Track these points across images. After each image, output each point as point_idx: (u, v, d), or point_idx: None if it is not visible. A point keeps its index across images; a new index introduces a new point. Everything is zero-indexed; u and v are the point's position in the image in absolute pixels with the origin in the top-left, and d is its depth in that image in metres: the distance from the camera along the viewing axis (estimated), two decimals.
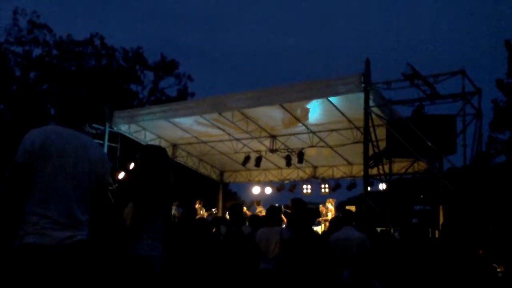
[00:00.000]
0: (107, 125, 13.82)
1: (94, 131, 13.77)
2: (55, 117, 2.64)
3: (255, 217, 7.57)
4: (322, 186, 16.09)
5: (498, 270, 7.96)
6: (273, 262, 5.77)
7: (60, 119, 2.61)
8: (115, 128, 13.97)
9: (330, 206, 13.45)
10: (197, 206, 13.14)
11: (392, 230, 9.68)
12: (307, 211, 6.20)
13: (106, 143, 13.86)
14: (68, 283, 2.40)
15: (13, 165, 2.38)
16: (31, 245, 2.33)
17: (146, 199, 3.36)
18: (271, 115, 12.50)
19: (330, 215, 12.56)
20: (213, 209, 14.40)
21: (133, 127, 14.21)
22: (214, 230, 7.64)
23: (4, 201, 2.35)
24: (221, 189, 18.63)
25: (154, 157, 3.59)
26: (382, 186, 12.18)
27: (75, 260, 2.42)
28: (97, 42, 30.97)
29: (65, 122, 2.60)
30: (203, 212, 13.90)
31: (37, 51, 29.40)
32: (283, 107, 11.81)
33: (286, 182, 16.94)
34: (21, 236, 2.35)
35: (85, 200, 2.57)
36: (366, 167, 9.79)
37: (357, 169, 14.89)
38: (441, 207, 10.89)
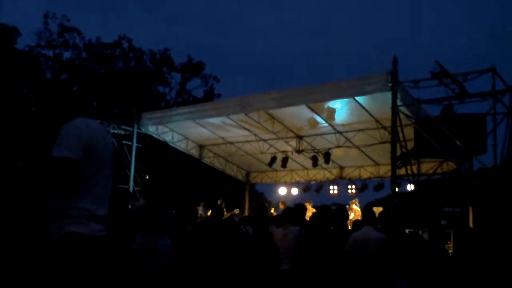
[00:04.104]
0: (135, 126, 14.01)
1: (122, 132, 14.00)
2: (79, 111, 2.67)
3: (279, 217, 7.60)
4: (349, 187, 15.96)
5: None
6: (290, 262, 5.81)
7: (82, 112, 2.66)
8: (143, 129, 14.15)
9: (355, 206, 13.34)
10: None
11: (420, 232, 9.55)
12: (321, 213, 6.21)
13: (135, 144, 14.06)
14: (102, 273, 2.47)
15: (65, 161, 2.35)
16: (76, 234, 2.38)
17: (158, 195, 3.41)
18: (297, 115, 12.47)
19: (353, 216, 12.45)
20: (235, 209, 14.44)
21: (161, 128, 14.37)
22: (242, 230, 7.68)
23: (45, 193, 2.39)
24: (247, 190, 18.67)
25: (156, 154, 3.63)
26: (410, 187, 12.02)
27: (106, 252, 2.49)
28: (125, 44, 31.46)
29: (87, 115, 2.66)
30: (224, 213, 13.96)
31: (67, 54, 30.07)
32: (309, 107, 11.78)
33: (312, 183, 16.86)
34: (62, 227, 2.39)
35: (109, 195, 2.64)
36: (394, 167, 9.67)
37: (385, 170, 14.70)
38: (470, 209, 10.70)
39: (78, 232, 2.38)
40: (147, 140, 13.60)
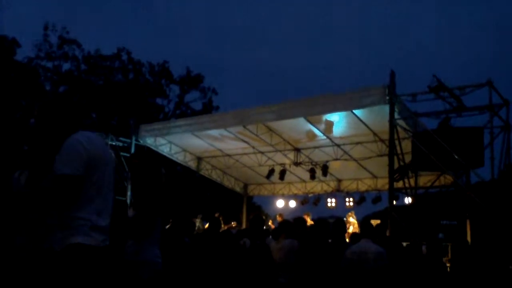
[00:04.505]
0: (133, 138, 14.01)
1: (120, 144, 13.99)
2: (80, 124, 2.71)
3: (276, 230, 7.59)
4: (347, 199, 15.95)
5: None
6: (286, 276, 5.80)
7: (85, 126, 2.71)
8: (141, 142, 14.16)
9: (352, 219, 13.34)
10: None
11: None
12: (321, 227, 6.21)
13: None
14: (105, 283, 2.50)
15: (68, 178, 2.41)
16: (80, 245, 2.43)
17: (144, 204, 3.42)
18: (295, 128, 12.51)
19: (352, 229, 12.44)
20: (232, 222, 14.40)
21: (159, 140, 14.37)
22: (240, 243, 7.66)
23: (49, 207, 2.44)
24: (245, 202, 18.63)
25: (144, 165, 3.64)
26: (408, 200, 12.03)
27: (108, 262, 2.52)
28: (124, 56, 31.54)
29: (90, 128, 2.73)
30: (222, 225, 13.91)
31: (66, 66, 30.14)
32: (307, 120, 11.81)
33: (310, 195, 16.83)
34: (65, 238, 2.43)
35: (111, 206, 2.68)
36: (392, 180, 9.69)
37: (382, 183, 14.73)
38: (468, 222, 10.70)
39: (82, 243, 2.43)
40: (145, 151, 13.61)
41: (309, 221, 12.97)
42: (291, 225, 6.62)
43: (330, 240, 6.19)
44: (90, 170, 2.50)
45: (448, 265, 8.14)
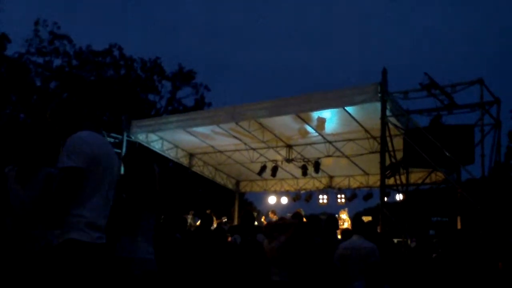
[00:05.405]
0: (125, 134, 13.95)
1: (112, 140, 13.92)
2: (83, 123, 2.77)
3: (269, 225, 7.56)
4: (338, 196, 15.99)
5: None
6: (279, 273, 5.80)
7: (89, 125, 2.76)
8: (132, 138, 14.10)
9: (344, 216, 13.40)
10: None
11: (409, 241, 9.59)
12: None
13: (124, 152, 13.99)
14: (99, 279, 2.54)
15: (71, 169, 2.50)
16: (75, 240, 2.47)
17: (135, 200, 3.40)
18: (288, 124, 12.52)
19: (346, 225, 12.50)
20: (223, 217, 14.41)
21: (151, 136, 14.34)
22: (229, 239, 7.66)
23: (54, 202, 2.48)
24: (237, 199, 18.64)
25: (138, 161, 3.63)
26: (399, 197, 12.08)
27: (102, 259, 2.56)
28: (116, 52, 31.35)
29: (94, 128, 2.78)
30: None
31: (57, 62, 29.90)
32: (299, 117, 11.82)
33: (302, 192, 16.89)
34: (62, 234, 2.47)
35: (109, 205, 2.71)
36: (383, 177, 9.73)
37: (374, 179, 14.79)
38: (458, 218, 10.77)
39: (78, 239, 2.47)
40: (136, 147, 13.58)
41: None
42: (285, 225, 6.59)
43: (320, 237, 6.21)
44: (91, 168, 2.57)
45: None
